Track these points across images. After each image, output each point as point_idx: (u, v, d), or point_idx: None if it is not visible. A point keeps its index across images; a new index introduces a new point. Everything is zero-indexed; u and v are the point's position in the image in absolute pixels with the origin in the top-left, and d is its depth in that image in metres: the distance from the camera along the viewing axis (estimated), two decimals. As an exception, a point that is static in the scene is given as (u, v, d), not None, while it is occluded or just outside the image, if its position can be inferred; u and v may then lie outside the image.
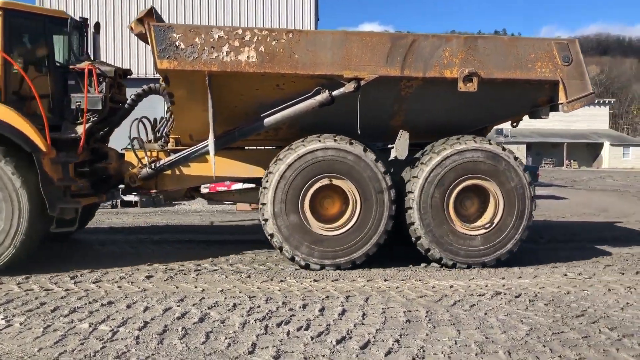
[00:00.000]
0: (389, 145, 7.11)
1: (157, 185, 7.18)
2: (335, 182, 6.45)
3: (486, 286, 5.91)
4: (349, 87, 6.40)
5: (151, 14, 6.17)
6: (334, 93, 6.45)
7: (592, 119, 48.67)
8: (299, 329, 4.42)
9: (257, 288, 5.70)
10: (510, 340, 4.26)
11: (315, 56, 6.29)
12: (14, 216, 5.95)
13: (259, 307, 5.02)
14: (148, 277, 6.06)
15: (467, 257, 6.62)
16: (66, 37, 6.89)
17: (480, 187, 6.68)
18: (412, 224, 6.57)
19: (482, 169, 6.61)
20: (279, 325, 4.52)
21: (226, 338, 4.19)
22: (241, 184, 8.52)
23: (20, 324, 4.45)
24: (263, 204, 6.44)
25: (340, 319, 4.71)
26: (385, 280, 6.10)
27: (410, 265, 6.78)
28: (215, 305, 5.03)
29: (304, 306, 5.05)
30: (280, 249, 6.47)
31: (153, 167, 6.93)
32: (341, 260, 6.45)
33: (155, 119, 7.60)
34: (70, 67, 6.73)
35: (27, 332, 4.26)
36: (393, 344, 4.12)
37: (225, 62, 6.20)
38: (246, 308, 4.97)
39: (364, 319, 4.72)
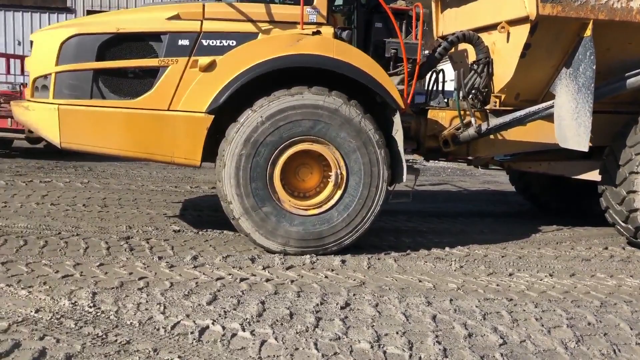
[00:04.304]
0: None
1: (469, 151, 6.12)
2: None
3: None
4: None
5: None
6: None
7: None
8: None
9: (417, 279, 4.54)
10: None
11: None
12: (372, 182, 5.00)
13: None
14: (287, 268, 4.64)
15: None
16: None
17: None
18: None
19: None
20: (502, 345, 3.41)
21: None
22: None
23: (277, 338, 3.27)
24: (634, 173, 5.54)
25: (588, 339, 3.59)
26: (550, 275, 4.87)
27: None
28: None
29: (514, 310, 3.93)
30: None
31: (479, 129, 5.77)
32: None
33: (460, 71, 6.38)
34: (387, 6, 5.44)
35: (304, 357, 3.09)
36: None
37: (615, 9, 5.27)
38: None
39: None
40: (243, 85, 4.85)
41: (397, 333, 3.43)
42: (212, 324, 3.42)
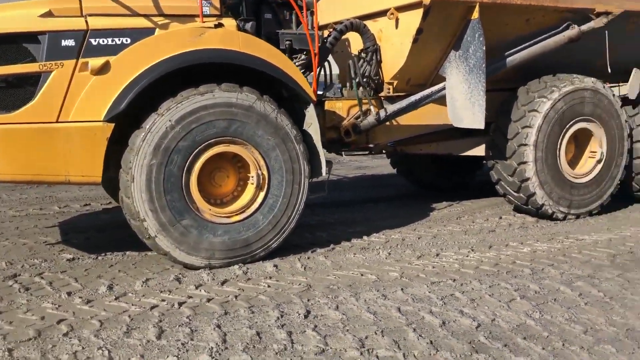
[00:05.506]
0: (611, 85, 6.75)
1: (368, 139, 6.11)
2: (588, 125, 6.20)
3: None
4: (599, 22, 6.15)
5: None
6: (583, 28, 6.10)
7: None
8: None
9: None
10: None
11: None
12: (294, 179, 4.78)
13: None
14: (223, 283, 4.24)
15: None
16: None
17: None
18: None
19: None
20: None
21: None
22: None
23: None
24: (523, 145, 5.89)
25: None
26: (472, 250, 5.07)
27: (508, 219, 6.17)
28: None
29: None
30: (541, 206, 6.01)
31: (379, 116, 5.72)
32: (582, 210, 6.25)
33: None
34: None
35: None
36: None
37: None
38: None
39: None
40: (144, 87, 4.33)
41: (375, 333, 3.28)
42: (178, 360, 2.99)
